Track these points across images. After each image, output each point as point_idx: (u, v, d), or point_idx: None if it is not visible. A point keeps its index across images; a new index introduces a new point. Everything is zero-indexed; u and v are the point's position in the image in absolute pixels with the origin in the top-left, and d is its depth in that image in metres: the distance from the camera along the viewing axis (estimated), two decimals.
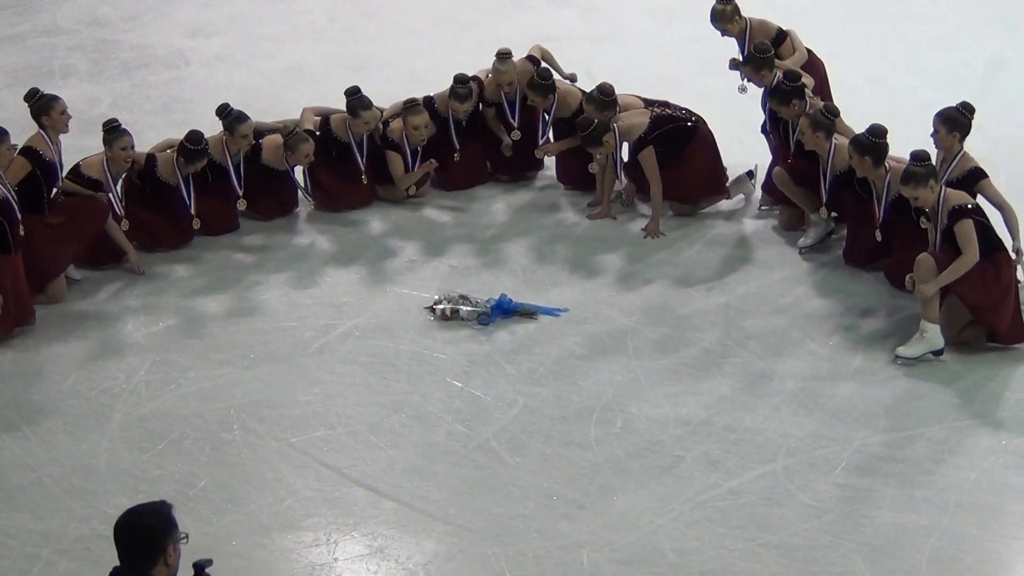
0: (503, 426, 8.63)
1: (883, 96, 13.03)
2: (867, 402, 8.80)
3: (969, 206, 9.21)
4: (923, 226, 9.40)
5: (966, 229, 9.08)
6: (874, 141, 9.69)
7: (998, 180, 11.16)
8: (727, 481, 8.11)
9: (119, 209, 10.37)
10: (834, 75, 11.77)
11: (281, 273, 10.38)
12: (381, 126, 11.29)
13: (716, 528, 7.75)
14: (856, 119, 11.33)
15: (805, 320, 9.70)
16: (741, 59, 11.20)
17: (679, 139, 10.91)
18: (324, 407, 8.84)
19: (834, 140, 10.14)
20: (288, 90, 13.51)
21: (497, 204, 11.37)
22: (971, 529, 7.71)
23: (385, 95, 11.61)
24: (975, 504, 7.90)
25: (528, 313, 9.74)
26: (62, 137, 10.24)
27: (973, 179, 9.56)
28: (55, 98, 10.24)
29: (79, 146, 11.17)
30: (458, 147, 11.45)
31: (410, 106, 11.12)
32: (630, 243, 10.73)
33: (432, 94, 11.43)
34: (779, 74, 10.61)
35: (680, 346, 9.41)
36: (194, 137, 10.53)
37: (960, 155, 9.62)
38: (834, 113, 10.20)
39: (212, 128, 10.87)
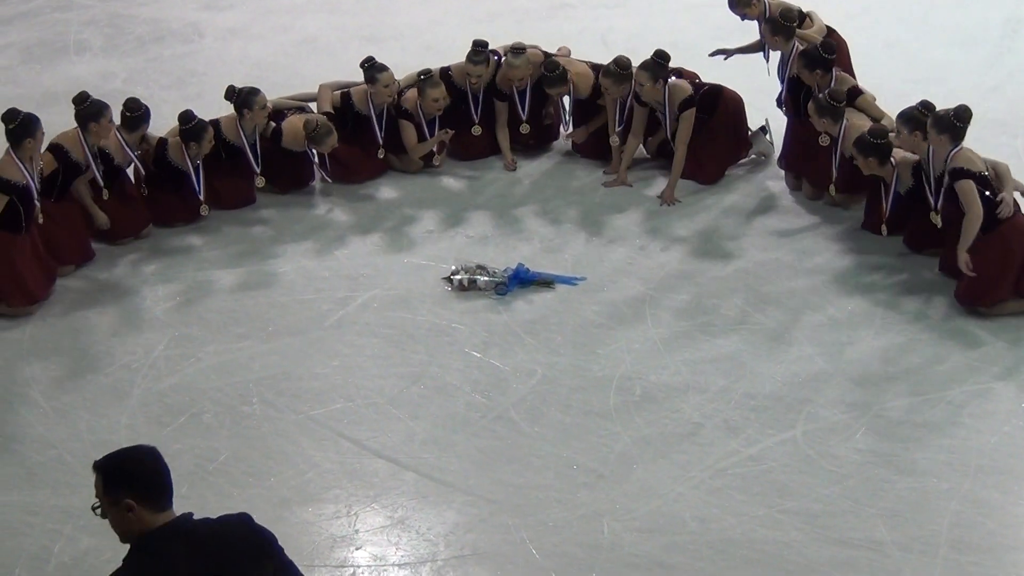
0: (522, 396, 8.62)
1: (900, 59, 13.01)
2: (887, 367, 8.77)
3: (975, 172, 9.14)
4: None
5: (967, 188, 9.05)
6: (876, 142, 9.60)
7: (1015, 143, 11.17)
8: (747, 448, 8.10)
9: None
10: (851, 38, 11.71)
11: (298, 245, 10.37)
12: (396, 96, 11.24)
13: (736, 495, 7.74)
14: (873, 82, 11.31)
15: (824, 286, 9.67)
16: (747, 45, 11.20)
17: (712, 103, 10.98)
18: (343, 379, 8.83)
19: (845, 122, 10.04)
20: (303, 62, 13.51)
21: (513, 174, 11.32)
22: (992, 493, 7.69)
23: (400, 66, 11.57)
24: (996, 468, 7.87)
25: (545, 282, 9.73)
26: None
27: (953, 178, 9.39)
28: (105, 106, 10.20)
29: None
30: (477, 119, 11.41)
31: (426, 77, 11.07)
32: (647, 211, 10.70)
33: (449, 65, 11.36)
34: (799, 44, 10.58)
35: (698, 313, 9.39)
36: (184, 116, 10.43)
37: (951, 154, 9.40)
38: (839, 99, 10.08)
39: (226, 103, 10.82)
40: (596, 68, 11.21)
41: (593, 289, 9.69)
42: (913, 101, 10.65)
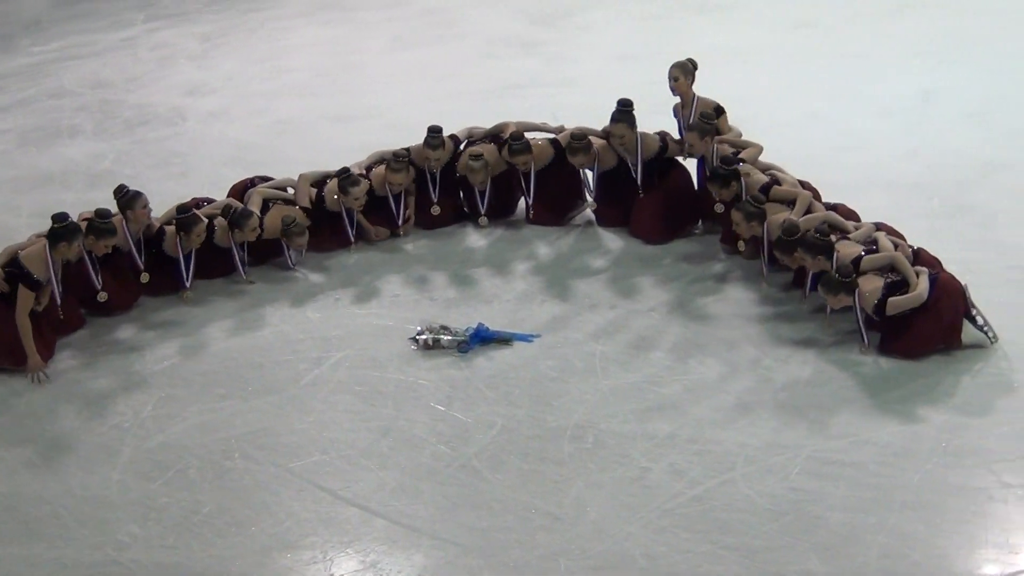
0: (484, 446, 8.59)
1: (825, 128, 13.04)
2: (817, 411, 8.76)
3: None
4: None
5: (897, 303, 9.28)
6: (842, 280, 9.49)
7: (931, 204, 11.24)
8: (691, 489, 8.07)
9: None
10: (778, 110, 11.78)
11: (275, 311, 10.32)
12: (365, 170, 11.24)
13: (682, 533, 7.71)
14: (802, 151, 11.39)
15: (759, 336, 9.66)
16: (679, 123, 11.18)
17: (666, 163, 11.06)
18: (318, 434, 8.78)
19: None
20: (278, 142, 13.49)
21: (472, 240, 11.31)
22: (917, 526, 7.68)
23: (370, 143, 11.59)
24: (920, 503, 7.88)
25: (504, 340, 9.69)
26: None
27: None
28: (139, 194, 10.23)
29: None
30: (435, 199, 11.38)
31: (344, 176, 11.02)
32: (597, 271, 10.68)
33: (408, 147, 11.34)
34: (716, 148, 10.62)
35: (644, 365, 9.37)
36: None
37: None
38: (761, 201, 10.11)
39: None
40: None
41: (548, 345, 9.66)
42: (839, 168, 10.76)
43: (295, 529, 7.92)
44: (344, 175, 10.99)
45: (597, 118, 11.26)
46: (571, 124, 11.54)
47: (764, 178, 10.35)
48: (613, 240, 11.10)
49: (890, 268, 9.35)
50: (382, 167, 11.22)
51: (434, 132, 11.20)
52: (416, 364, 9.50)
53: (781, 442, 8.47)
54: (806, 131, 12.92)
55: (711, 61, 11.82)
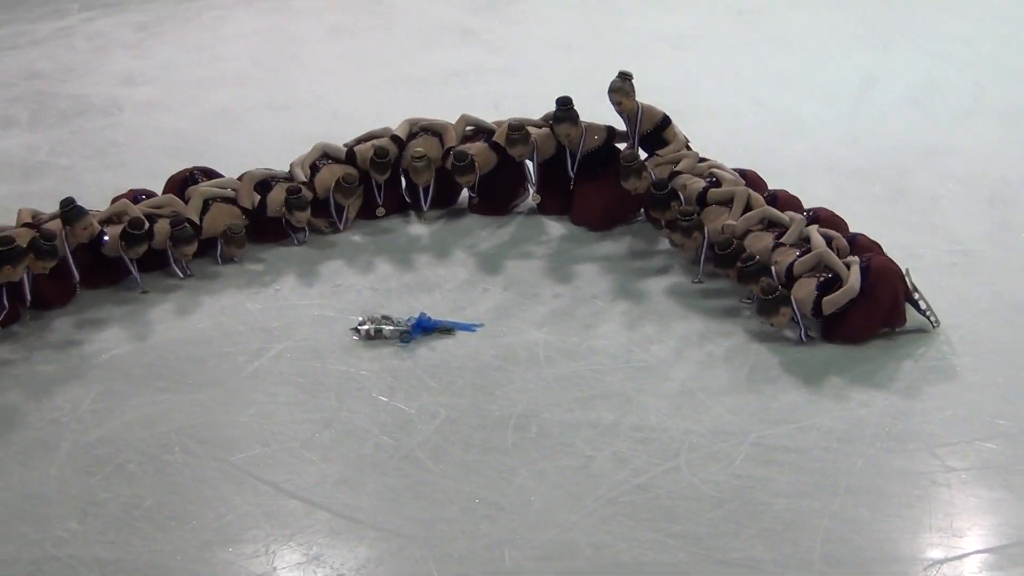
0: (427, 436, 8.57)
1: (767, 116, 13.09)
2: (761, 398, 8.81)
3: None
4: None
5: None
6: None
7: (874, 190, 11.31)
8: (635, 478, 8.09)
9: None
10: (721, 97, 11.79)
11: (214, 302, 10.25)
12: (308, 170, 11.17)
13: (627, 522, 7.74)
14: (741, 138, 11.42)
15: (703, 324, 9.69)
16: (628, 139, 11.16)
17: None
18: (259, 426, 8.74)
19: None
20: (217, 131, 13.39)
21: (414, 229, 11.28)
22: (861, 511, 7.74)
23: (310, 133, 11.54)
24: (863, 487, 7.93)
25: (446, 330, 9.68)
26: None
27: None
28: (83, 213, 10.20)
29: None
30: (380, 202, 11.33)
31: (345, 183, 11.02)
32: (539, 259, 10.69)
33: (353, 148, 11.28)
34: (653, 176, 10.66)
35: (588, 353, 9.38)
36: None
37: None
38: (691, 213, 10.16)
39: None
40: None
41: (490, 335, 9.65)
42: (781, 154, 10.77)
43: (237, 523, 7.88)
44: (293, 195, 10.86)
45: (540, 107, 11.26)
46: (514, 113, 11.54)
47: (699, 186, 10.40)
48: (555, 228, 11.10)
49: (825, 266, 9.42)
50: (327, 171, 11.15)
51: (381, 156, 11.08)
52: (358, 355, 9.46)
53: (725, 429, 8.51)
54: (749, 118, 12.97)
55: (653, 48, 11.95)
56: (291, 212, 10.87)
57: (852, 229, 10.07)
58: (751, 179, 10.58)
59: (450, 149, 11.17)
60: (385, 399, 8.98)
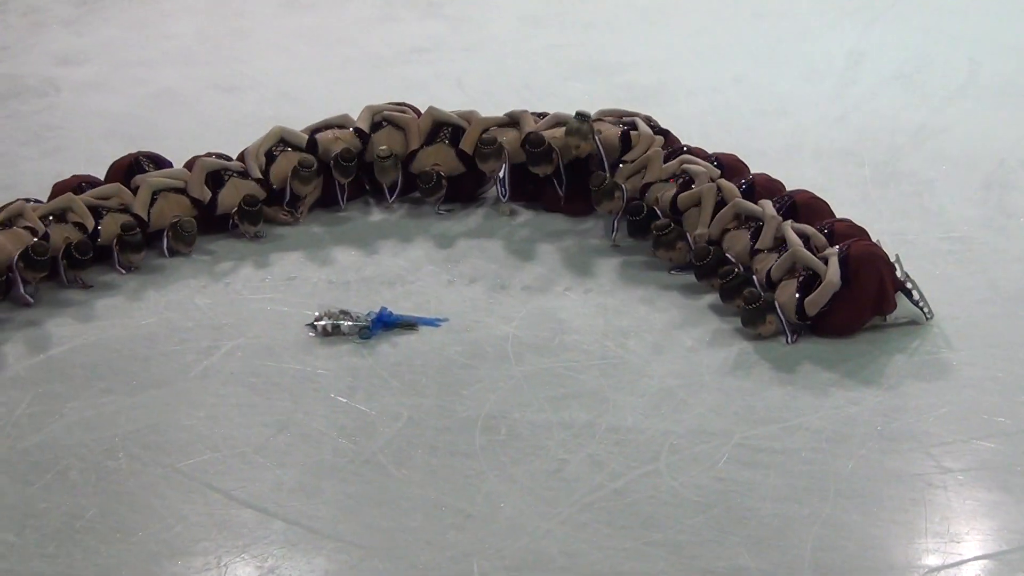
0: (388, 439, 8.54)
1: (748, 92, 13.12)
2: (745, 396, 8.81)
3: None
4: None
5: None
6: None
7: (862, 172, 11.32)
8: (612, 482, 8.08)
9: None
10: (699, 74, 11.78)
11: (160, 296, 10.21)
12: (264, 158, 11.12)
13: (603, 529, 7.72)
14: (720, 117, 11.42)
15: (682, 318, 9.70)
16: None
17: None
18: (209, 430, 8.69)
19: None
20: (161, 114, 13.35)
21: (374, 217, 11.26)
22: (852, 516, 7.73)
23: (261, 115, 11.49)
24: (854, 491, 7.93)
25: (409, 325, 9.66)
26: None
27: None
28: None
29: None
30: (343, 203, 11.31)
31: (302, 169, 10.99)
32: (508, 249, 10.69)
33: (316, 138, 11.23)
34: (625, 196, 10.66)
35: (560, 350, 9.37)
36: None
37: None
38: (666, 227, 10.20)
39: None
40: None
41: (456, 330, 9.63)
42: (764, 135, 10.76)
43: (186, 534, 7.84)
44: (249, 206, 10.81)
45: (506, 84, 11.25)
46: (478, 92, 11.52)
47: (670, 194, 10.43)
48: (524, 217, 11.10)
49: (803, 266, 9.45)
50: (284, 161, 11.11)
51: (347, 159, 11.07)
52: (314, 352, 9.43)
53: (707, 429, 8.51)
54: (729, 96, 12.98)
55: (625, 22, 11.91)
56: (242, 222, 10.85)
57: (839, 214, 10.09)
58: (729, 165, 10.61)
59: (415, 153, 11.17)
60: (344, 400, 8.95)
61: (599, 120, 10.99)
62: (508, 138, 11.09)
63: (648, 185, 10.60)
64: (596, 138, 10.79)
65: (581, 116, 10.83)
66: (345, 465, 8.34)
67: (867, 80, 13.33)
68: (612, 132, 10.90)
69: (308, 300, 10.03)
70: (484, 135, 11.06)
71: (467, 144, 11.13)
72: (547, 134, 10.92)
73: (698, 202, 10.22)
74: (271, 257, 10.70)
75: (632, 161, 10.78)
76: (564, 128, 10.82)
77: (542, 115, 11.25)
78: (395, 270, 10.45)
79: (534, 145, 10.83)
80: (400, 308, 9.81)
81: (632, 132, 10.88)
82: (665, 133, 11.08)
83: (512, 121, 11.22)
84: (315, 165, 11.03)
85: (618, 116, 11.14)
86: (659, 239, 10.17)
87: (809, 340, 9.33)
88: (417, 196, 11.34)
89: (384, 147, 11.15)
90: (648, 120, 11.09)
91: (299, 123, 11.42)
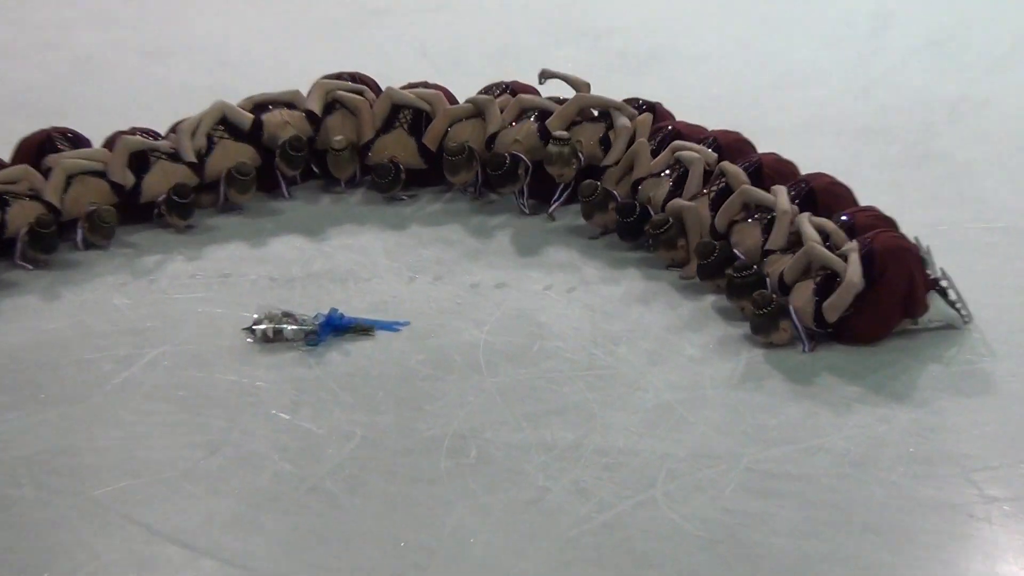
0: (339, 463, 8.44)
1: (756, 62, 13.17)
2: (756, 413, 8.74)
3: None
4: None
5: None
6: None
7: (889, 152, 11.31)
8: (601, 513, 7.99)
9: None
10: (701, 39, 11.76)
11: (73, 297, 10.15)
12: (202, 141, 11.07)
13: (591, 569, 7.63)
14: (725, 88, 11.36)
15: (681, 320, 9.67)
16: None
17: None
18: (129, 453, 8.58)
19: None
20: (77, 83, 13.37)
21: (323, 204, 11.28)
22: (882, 554, 7.65)
23: (195, 85, 11.45)
24: (884, 524, 7.85)
25: (364, 329, 9.61)
26: None
27: None
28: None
29: None
30: (287, 196, 11.31)
31: (238, 173, 10.94)
32: (478, 240, 10.72)
33: (262, 120, 11.21)
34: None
35: (540, 358, 9.31)
36: None
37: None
38: (664, 224, 10.20)
39: None
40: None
41: (419, 335, 9.59)
42: (777, 108, 10.75)
43: (101, 573, 7.73)
44: (179, 197, 10.78)
45: (476, 51, 11.24)
46: (446, 61, 11.47)
47: (663, 191, 10.46)
48: (499, 204, 11.12)
49: (820, 265, 9.42)
50: (221, 152, 11.12)
51: (296, 148, 11.11)
52: (253, 362, 9.37)
53: (712, 451, 8.42)
54: (735, 64, 13.06)
55: None
56: (171, 214, 10.83)
57: (863, 202, 10.07)
58: (730, 146, 10.62)
59: (369, 144, 11.22)
60: (287, 417, 8.86)
61: (578, 124, 11.00)
62: (520, 135, 11.07)
63: (639, 181, 10.62)
64: (582, 159, 10.85)
65: (559, 140, 10.83)
66: (288, 493, 8.24)
67: (895, 47, 13.42)
68: (591, 136, 10.95)
69: (246, 300, 9.99)
70: (451, 142, 11.09)
71: (431, 139, 11.18)
72: (513, 131, 11.02)
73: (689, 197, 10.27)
74: (203, 250, 10.67)
75: (616, 163, 10.81)
76: (544, 148, 10.86)
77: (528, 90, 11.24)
78: (347, 265, 10.44)
79: (451, 153, 10.95)
80: (353, 310, 9.76)
81: (611, 132, 10.95)
82: (652, 108, 11.13)
83: (478, 110, 11.23)
84: (253, 173, 11.02)
85: (596, 106, 11.11)
86: (658, 238, 10.16)
87: (829, 348, 9.29)
88: (364, 187, 11.42)
89: (340, 138, 11.18)
90: (635, 103, 11.12)
91: (239, 96, 11.41)
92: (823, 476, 8.20)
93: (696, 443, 8.49)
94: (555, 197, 10.75)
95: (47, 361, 9.43)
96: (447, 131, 11.16)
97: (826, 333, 9.30)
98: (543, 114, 11.02)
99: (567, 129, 10.86)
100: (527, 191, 10.96)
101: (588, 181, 10.69)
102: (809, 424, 8.62)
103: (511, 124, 11.09)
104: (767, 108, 10.67)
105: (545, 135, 10.87)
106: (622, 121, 10.90)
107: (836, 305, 9.17)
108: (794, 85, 12.55)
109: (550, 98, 11.19)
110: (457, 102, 11.39)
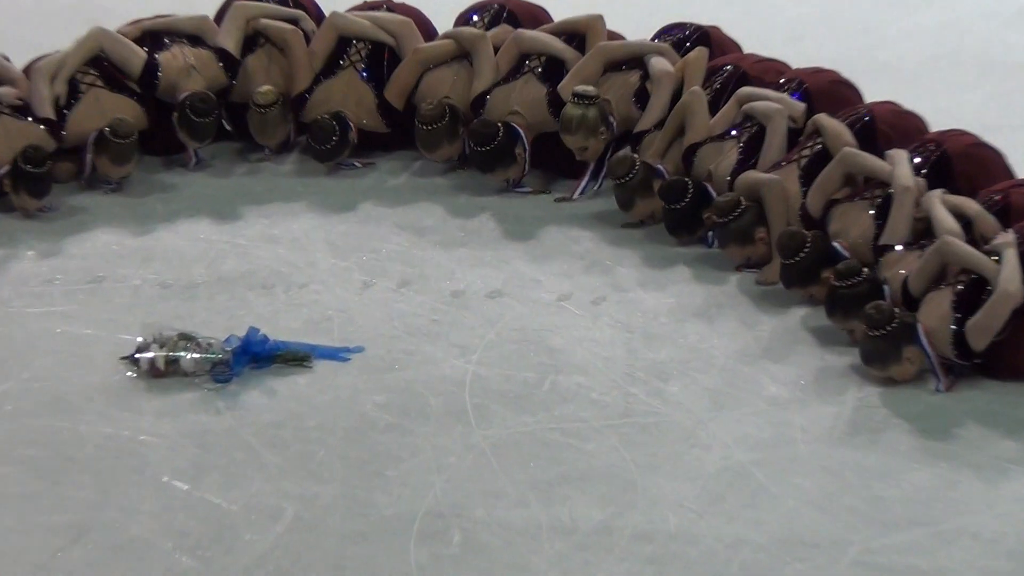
0: (261, 554, 8.24)
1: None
2: (869, 479, 8.59)
3: None
4: None
5: None
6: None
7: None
8: None
9: None
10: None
11: None
12: (64, 88, 11.09)
13: None
14: (815, 8, 11.08)
15: (758, 347, 9.61)
16: None
17: None
18: None
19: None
20: None
21: (238, 180, 11.34)
22: None
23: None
24: None
25: (297, 358, 9.49)
26: None
27: None
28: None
29: None
30: (194, 162, 11.40)
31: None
32: (462, 232, 10.73)
33: (161, 56, 11.29)
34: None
35: (552, 401, 9.19)
36: None
37: None
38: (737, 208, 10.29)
39: None
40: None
41: (377, 367, 9.51)
42: (885, 40, 10.47)
43: None
44: (31, 165, 10.83)
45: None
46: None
47: (731, 161, 10.50)
48: (486, 183, 11.10)
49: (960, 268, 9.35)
50: (92, 104, 11.16)
51: (202, 113, 11.15)
52: (136, 405, 9.27)
53: (806, 537, 8.23)
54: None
55: None
56: (17, 191, 10.88)
57: (1021, 174, 10.01)
58: (826, 90, 10.68)
59: (307, 94, 11.31)
60: (184, 487, 8.68)
61: (608, 76, 11.12)
62: (521, 102, 11.15)
63: (694, 148, 10.65)
64: (613, 125, 10.92)
65: (582, 98, 10.88)
66: None
67: None
68: (621, 91, 11.04)
69: (125, 316, 9.94)
70: (425, 102, 11.15)
71: (396, 92, 11.33)
72: (514, 93, 11.13)
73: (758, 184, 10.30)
74: (64, 242, 10.70)
75: (655, 128, 10.86)
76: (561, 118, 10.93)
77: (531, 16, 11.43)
78: (273, 264, 10.41)
79: (427, 120, 11.07)
80: (282, 331, 9.66)
81: (648, 83, 11.00)
82: (707, 37, 11.23)
83: (462, 50, 11.32)
84: (134, 135, 11.12)
85: (626, 56, 11.19)
86: (725, 228, 10.17)
87: (974, 386, 9.19)
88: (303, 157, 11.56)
89: (265, 88, 11.26)
90: (681, 31, 11.27)
91: (122, 19, 11.44)
92: (968, 571, 8.01)
93: (782, 525, 8.33)
94: (582, 183, 10.81)
95: None
96: (419, 81, 11.16)
97: (971, 365, 9.17)
98: (552, 64, 11.00)
99: None
100: (527, 167, 11.00)
101: (621, 154, 10.78)
102: (947, 497, 8.47)
103: (509, 79, 11.10)
104: (873, 37, 10.43)
105: (557, 104, 10.90)
106: (661, 65, 10.87)
107: (985, 327, 9.06)
108: (916, 5, 12.35)
109: (563, 26, 11.14)
110: (434, 35, 11.43)
